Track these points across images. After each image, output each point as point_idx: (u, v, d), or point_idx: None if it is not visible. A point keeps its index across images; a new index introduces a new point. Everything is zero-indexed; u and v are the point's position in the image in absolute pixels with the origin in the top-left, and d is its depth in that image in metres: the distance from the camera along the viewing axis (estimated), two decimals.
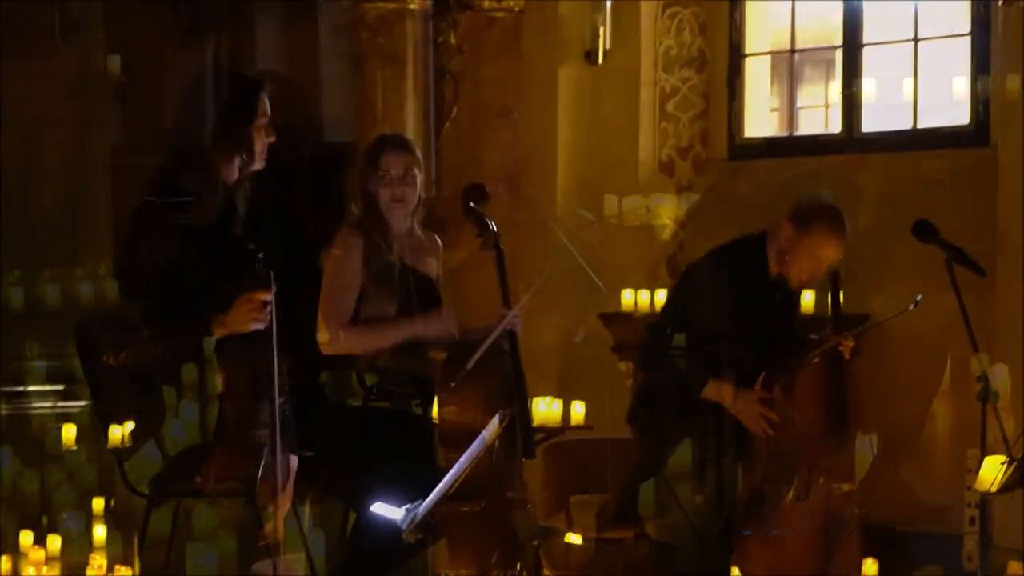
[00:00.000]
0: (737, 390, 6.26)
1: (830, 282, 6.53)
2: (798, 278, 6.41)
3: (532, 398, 10.03)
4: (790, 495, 6.20)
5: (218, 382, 4.73)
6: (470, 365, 5.78)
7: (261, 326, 4.74)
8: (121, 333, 4.73)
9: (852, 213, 10.88)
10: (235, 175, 4.90)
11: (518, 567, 5.81)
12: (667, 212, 11.70)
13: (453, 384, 5.77)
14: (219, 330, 4.74)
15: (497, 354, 5.98)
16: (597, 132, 11.89)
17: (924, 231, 6.48)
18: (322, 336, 5.67)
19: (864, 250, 10.43)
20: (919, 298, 6.33)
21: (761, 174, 11.21)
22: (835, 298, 6.55)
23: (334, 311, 5.71)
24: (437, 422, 5.91)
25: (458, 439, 5.68)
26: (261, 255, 4.75)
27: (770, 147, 11.58)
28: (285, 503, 4.94)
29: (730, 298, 6.26)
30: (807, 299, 10.24)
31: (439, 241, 6.23)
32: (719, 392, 6.27)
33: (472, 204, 6.30)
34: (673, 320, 6.39)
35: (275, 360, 4.69)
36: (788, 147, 11.55)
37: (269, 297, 4.74)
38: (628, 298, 11.18)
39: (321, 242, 5.91)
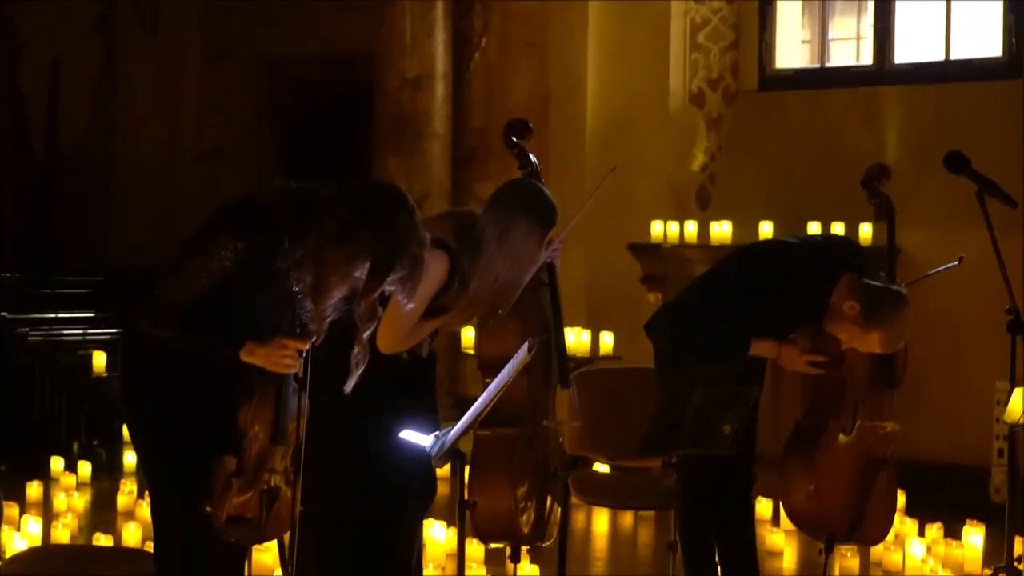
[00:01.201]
0: (780, 344, 6.22)
1: (887, 229, 6.47)
2: (846, 344, 6.27)
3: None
4: (837, 430, 6.21)
5: (242, 419, 4.68)
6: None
7: (291, 371, 4.71)
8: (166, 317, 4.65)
9: (882, 145, 10.92)
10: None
11: (548, 495, 5.85)
12: (697, 144, 11.68)
13: (500, 311, 5.78)
14: (246, 356, 4.67)
15: (536, 286, 6.00)
16: (626, 63, 11.85)
17: (955, 163, 6.44)
18: (383, 344, 5.55)
19: (896, 183, 10.41)
20: (962, 256, 6.29)
21: (791, 106, 11.18)
22: (890, 244, 6.50)
23: (404, 332, 5.59)
24: (474, 353, 5.91)
25: (496, 368, 5.68)
26: (301, 315, 4.69)
27: (801, 79, 11.53)
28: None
29: (785, 303, 6.21)
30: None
31: None
32: (762, 348, 6.23)
33: (515, 139, 6.29)
34: (728, 283, 6.30)
35: (307, 407, 4.70)
36: (819, 79, 11.50)
37: (306, 348, 4.70)
38: (657, 229, 11.18)
39: None
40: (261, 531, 4.73)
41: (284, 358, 4.66)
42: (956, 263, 6.24)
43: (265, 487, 4.71)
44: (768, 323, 6.24)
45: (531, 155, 6.20)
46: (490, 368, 5.75)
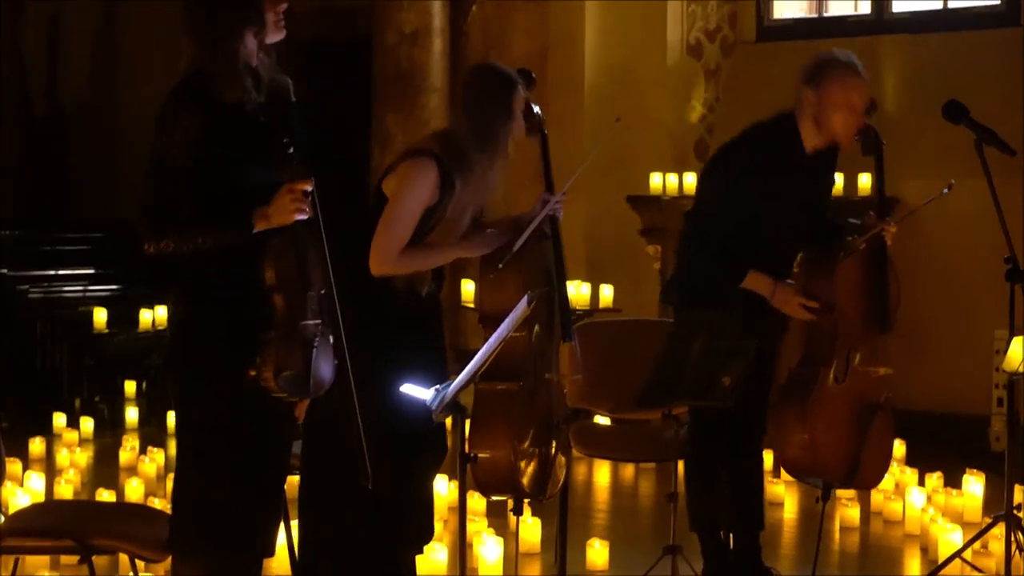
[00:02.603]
0: (775, 283, 6.24)
1: (874, 165, 6.46)
2: (845, 134, 6.27)
3: None
4: (829, 377, 6.22)
5: (266, 275, 4.70)
6: (516, 248, 5.76)
7: (304, 216, 4.71)
8: (163, 224, 4.66)
9: (881, 95, 10.90)
10: (254, 52, 4.79)
11: (552, 447, 5.87)
12: (695, 95, 11.66)
13: (501, 265, 5.78)
14: (261, 223, 4.66)
15: (539, 239, 5.98)
16: (624, 15, 11.82)
17: (954, 112, 6.42)
18: (374, 259, 5.62)
19: (894, 133, 10.39)
20: (952, 183, 6.28)
21: (789, 56, 11.16)
22: (879, 183, 6.49)
23: (393, 242, 5.64)
24: (475, 306, 5.92)
25: (498, 322, 5.69)
26: (291, 148, 4.70)
27: (799, 29, 11.51)
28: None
29: (767, 181, 6.22)
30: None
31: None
32: (757, 284, 6.25)
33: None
34: (710, 207, 6.34)
35: (326, 251, 4.70)
36: (817, 29, 11.48)
37: (310, 187, 4.70)
38: (656, 181, 11.17)
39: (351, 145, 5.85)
40: (307, 382, 4.70)
41: (293, 203, 4.64)
42: (946, 191, 6.23)
43: (301, 336, 4.69)
44: (761, 224, 6.24)
45: (535, 105, 6.19)
46: (492, 321, 5.74)
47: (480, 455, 5.34)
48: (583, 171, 6.06)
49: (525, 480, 5.73)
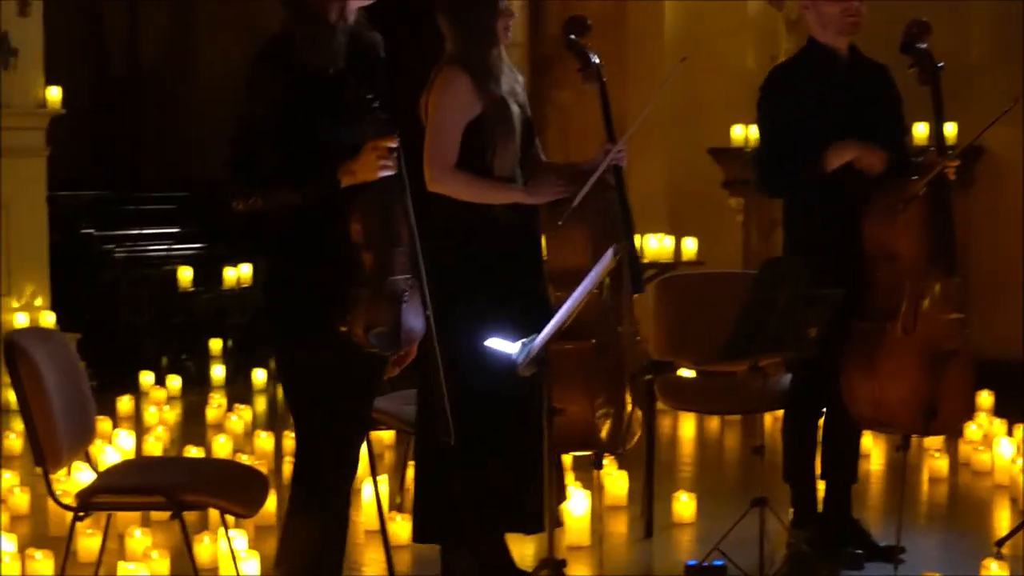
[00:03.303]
0: (859, 144, 6.14)
1: (931, 96, 6.36)
2: (844, 20, 6.21)
3: (644, 235, 10.07)
4: (897, 328, 6.14)
5: (353, 231, 4.72)
6: (576, 201, 5.73)
7: (390, 172, 4.72)
8: (251, 181, 4.69)
9: (965, 42, 10.78)
10: (341, 13, 4.82)
11: (627, 401, 5.88)
12: (777, 45, 11.57)
13: (560, 223, 5.76)
14: (347, 179, 4.68)
15: (603, 189, 5.91)
16: None
17: None
18: (427, 175, 5.65)
19: (978, 82, 10.28)
20: (1017, 99, 6.15)
21: (874, 4, 11.04)
22: (938, 117, 6.38)
23: (440, 152, 5.68)
24: (545, 260, 5.88)
25: (567, 277, 5.67)
26: (376, 103, 4.73)
27: None
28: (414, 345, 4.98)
29: (808, 89, 6.18)
30: (920, 130, 10.15)
31: (519, 76, 6.16)
32: (842, 152, 6.15)
33: (573, 37, 6.27)
34: (775, 127, 6.28)
35: (410, 206, 4.71)
36: None
37: (395, 144, 4.72)
38: (738, 133, 11.11)
39: (420, 84, 5.86)
40: (398, 337, 4.73)
41: (379, 160, 4.66)
42: (1010, 109, 6.10)
43: (391, 291, 4.72)
44: (826, 138, 6.22)
45: (591, 53, 6.16)
46: (560, 280, 5.74)
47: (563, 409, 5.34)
48: (646, 118, 6.01)
49: (603, 435, 5.71)
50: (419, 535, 6.00)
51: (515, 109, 5.80)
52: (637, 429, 5.91)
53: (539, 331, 5.05)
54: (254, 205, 4.74)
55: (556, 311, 5.10)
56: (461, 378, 5.45)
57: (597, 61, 6.14)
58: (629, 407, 5.83)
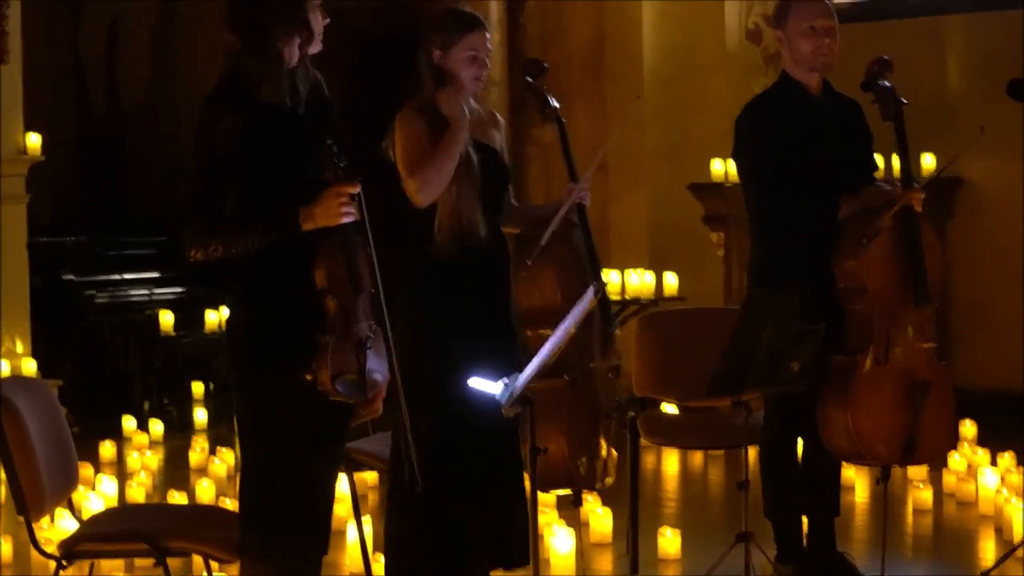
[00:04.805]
0: (859, 194, 6.22)
1: (895, 130, 6.40)
2: (817, 58, 6.27)
3: (625, 270, 10.10)
4: (867, 363, 6.17)
5: (318, 277, 4.70)
6: (544, 240, 5.80)
7: (351, 219, 4.72)
8: (209, 228, 4.67)
9: (945, 76, 10.84)
10: (295, 58, 4.82)
11: (601, 436, 5.90)
12: (755, 81, 11.61)
13: (529, 262, 5.79)
14: (308, 223, 4.68)
15: (569, 228, 5.99)
16: (681, 2, 11.78)
17: (1019, 90, 6.38)
18: (411, 188, 5.60)
19: (960, 115, 10.34)
20: (983, 127, 6.20)
21: (852, 39, 11.10)
22: (902, 149, 6.42)
23: (414, 163, 5.61)
24: (516, 302, 5.89)
25: (537, 315, 5.76)
26: (336, 148, 4.71)
27: (861, 11, 11.43)
28: (380, 395, 4.95)
29: (785, 125, 6.23)
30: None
31: (500, 117, 6.18)
32: (852, 204, 6.21)
33: (530, 79, 6.30)
34: (761, 170, 6.31)
35: (373, 251, 4.70)
36: (879, 11, 11.40)
37: (357, 190, 4.71)
38: (718, 168, 11.15)
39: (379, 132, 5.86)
40: (363, 384, 4.68)
41: (341, 206, 4.64)
42: (978, 136, 6.15)
43: (356, 338, 4.68)
44: (809, 173, 6.24)
45: (549, 95, 6.22)
46: (531, 320, 5.77)
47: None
48: (603, 158, 6.09)
49: (580, 472, 5.75)
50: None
51: (474, 158, 5.76)
52: (611, 467, 5.92)
53: (510, 371, 5.06)
54: (213, 253, 4.71)
55: (527, 350, 5.12)
56: (431, 422, 5.47)
57: (555, 104, 6.21)
58: (603, 443, 5.86)
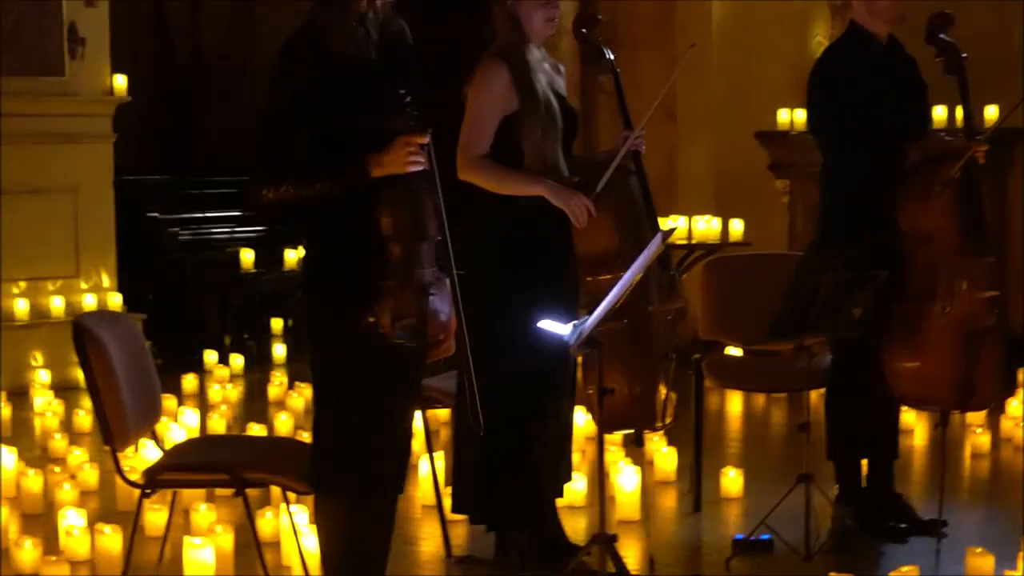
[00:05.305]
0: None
1: (958, 84, 6.48)
2: (896, 13, 6.34)
3: (692, 216, 10.21)
4: (935, 309, 6.25)
5: (383, 223, 4.79)
6: (599, 188, 5.84)
7: (420, 168, 4.75)
8: (281, 170, 4.77)
9: (1008, 23, 10.84)
10: (366, 3, 4.87)
11: (661, 378, 5.93)
12: (820, 30, 11.66)
13: None
14: (376, 170, 4.74)
15: (625, 175, 6.02)
16: None
17: None
18: (458, 162, 5.79)
19: (1014, 68, 10.31)
20: None
21: None
22: (964, 102, 6.49)
23: (473, 142, 5.83)
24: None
25: (595, 261, 5.82)
26: (408, 98, 4.72)
27: None
28: (450, 335, 5.02)
29: (857, 74, 6.30)
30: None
31: (561, 66, 6.28)
32: (914, 154, 6.30)
33: (584, 31, 6.32)
34: (835, 118, 6.37)
35: (441, 202, 4.80)
36: None
37: (426, 140, 4.78)
38: (784, 117, 11.21)
39: (463, 74, 5.97)
40: (423, 330, 4.72)
41: (409, 155, 4.70)
42: None
43: (417, 284, 4.72)
44: (877, 111, 6.36)
45: (604, 47, 6.27)
46: (589, 265, 5.86)
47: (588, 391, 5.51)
48: (660, 105, 6.11)
49: (639, 412, 5.83)
50: (457, 507, 6.16)
51: (555, 104, 5.90)
52: (671, 408, 5.99)
53: (572, 316, 5.21)
54: (284, 194, 4.76)
55: (589, 295, 5.26)
56: (495, 364, 5.62)
57: (610, 55, 6.26)
58: (662, 385, 5.92)
